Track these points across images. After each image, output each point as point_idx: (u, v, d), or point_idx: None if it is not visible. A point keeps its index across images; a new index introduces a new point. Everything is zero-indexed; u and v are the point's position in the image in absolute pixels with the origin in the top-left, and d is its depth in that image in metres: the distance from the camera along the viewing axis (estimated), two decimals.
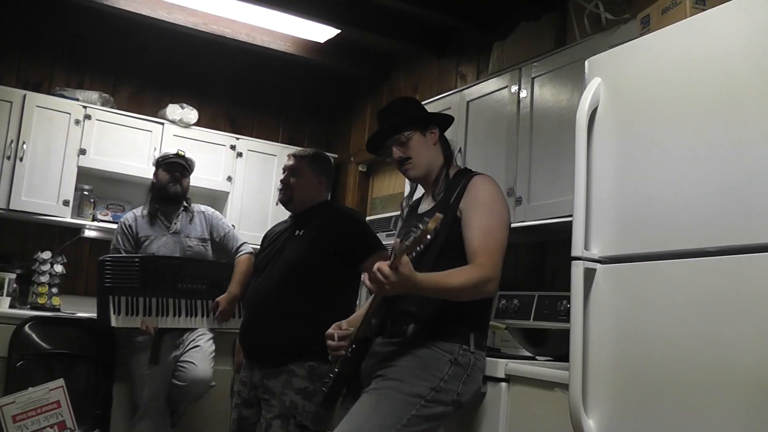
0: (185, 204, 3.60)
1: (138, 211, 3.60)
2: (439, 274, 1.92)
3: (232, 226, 3.86)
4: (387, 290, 1.82)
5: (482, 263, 1.95)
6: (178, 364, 3.39)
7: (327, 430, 2.51)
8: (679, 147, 1.67)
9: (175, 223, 3.54)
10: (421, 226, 1.75)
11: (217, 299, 3.40)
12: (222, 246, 3.62)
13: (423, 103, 3.54)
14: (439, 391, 1.96)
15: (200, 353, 3.42)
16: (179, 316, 3.35)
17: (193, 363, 3.38)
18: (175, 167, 3.54)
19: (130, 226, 3.52)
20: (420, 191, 2.37)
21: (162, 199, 3.55)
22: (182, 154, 3.59)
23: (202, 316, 3.42)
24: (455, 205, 2.08)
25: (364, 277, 1.90)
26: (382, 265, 1.78)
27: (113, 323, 3.24)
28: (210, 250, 3.60)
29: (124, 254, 3.46)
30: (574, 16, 2.88)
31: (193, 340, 3.44)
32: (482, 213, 2.04)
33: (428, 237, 1.74)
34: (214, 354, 3.50)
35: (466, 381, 2.01)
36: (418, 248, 1.77)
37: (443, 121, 2.32)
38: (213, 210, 3.73)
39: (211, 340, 3.51)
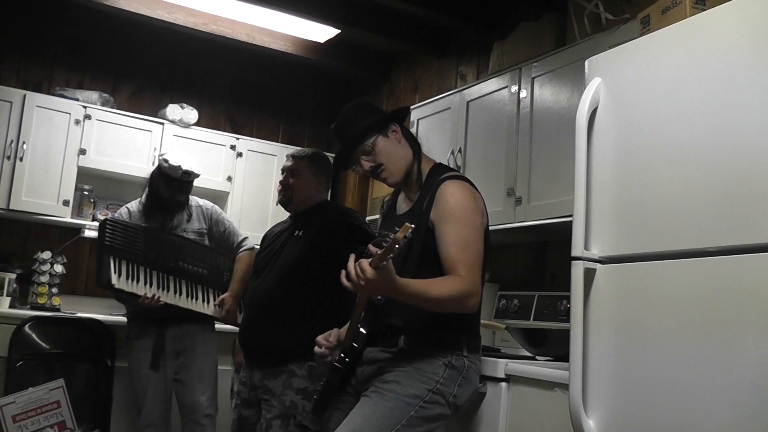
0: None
1: (132, 205, 3.45)
2: (422, 282, 1.86)
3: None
4: (362, 287, 1.75)
5: (463, 276, 1.90)
6: (176, 378, 3.30)
7: (327, 431, 2.50)
8: (679, 147, 1.67)
9: (171, 219, 3.39)
10: (391, 235, 1.68)
11: (223, 297, 3.30)
12: (223, 241, 3.49)
13: (423, 103, 3.59)
14: (436, 393, 1.96)
15: (200, 380, 3.31)
16: (180, 295, 3.26)
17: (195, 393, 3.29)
18: (180, 189, 3.34)
19: None
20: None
21: (159, 207, 3.38)
22: (189, 172, 3.30)
23: (203, 301, 3.31)
24: (427, 213, 2.02)
25: (342, 276, 1.79)
26: (363, 262, 1.72)
27: (114, 281, 3.11)
28: (207, 244, 3.47)
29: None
30: (574, 16, 2.88)
31: (195, 358, 3.32)
32: (455, 225, 1.96)
33: (397, 247, 1.68)
34: (214, 374, 3.38)
35: (461, 384, 2.01)
36: (389, 257, 1.70)
37: (399, 115, 2.21)
38: (212, 204, 3.58)
39: (212, 355, 3.38)
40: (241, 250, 3.47)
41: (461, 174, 2.14)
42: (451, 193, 2.01)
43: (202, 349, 3.35)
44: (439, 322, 2.01)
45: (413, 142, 2.17)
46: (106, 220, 3.29)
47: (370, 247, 1.77)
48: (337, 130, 2.18)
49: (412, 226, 1.68)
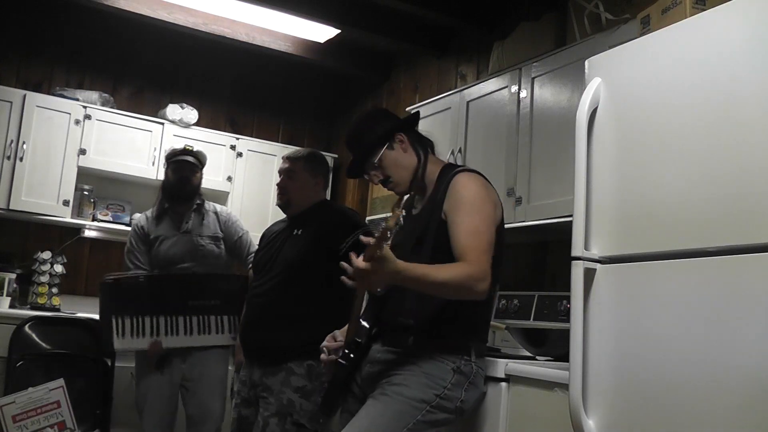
0: (198, 203, 3.43)
1: (148, 212, 3.47)
2: (426, 266, 1.86)
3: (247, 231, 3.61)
4: (363, 282, 1.78)
5: (471, 260, 1.89)
6: (183, 385, 3.25)
7: (326, 430, 2.50)
8: (679, 147, 1.67)
9: (186, 223, 3.37)
10: (382, 224, 1.72)
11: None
12: (234, 250, 3.46)
13: (423, 103, 3.58)
14: (443, 399, 1.97)
15: (209, 389, 3.25)
16: (191, 334, 3.21)
17: (203, 404, 3.23)
18: (182, 167, 3.37)
19: (142, 227, 3.39)
20: None
21: (172, 199, 3.39)
22: (189, 149, 3.42)
23: (217, 332, 3.25)
24: (440, 206, 2.03)
25: (343, 278, 1.82)
26: (356, 260, 1.77)
27: (116, 345, 3.14)
28: (223, 250, 3.43)
29: (134, 263, 3.32)
30: (574, 16, 2.88)
31: (203, 364, 3.27)
32: (466, 213, 1.97)
33: (389, 234, 1.71)
34: (224, 383, 3.32)
35: (468, 389, 2.02)
36: (383, 245, 1.72)
37: (405, 124, 2.21)
38: (228, 211, 3.57)
39: (222, 363, 3.31)
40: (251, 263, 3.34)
41: (474, 169, 2.14)
42: (463, 184, 2.03)
43: (211, 356, 3.28)
44: (449, 326, 2.01)
45: (420, 147, 2.17)
46: (104, 282, 3.26)
47: (362, 238, 1.78)
48: (347, 142, 2.22)
49: (402, 212, 1.74)
